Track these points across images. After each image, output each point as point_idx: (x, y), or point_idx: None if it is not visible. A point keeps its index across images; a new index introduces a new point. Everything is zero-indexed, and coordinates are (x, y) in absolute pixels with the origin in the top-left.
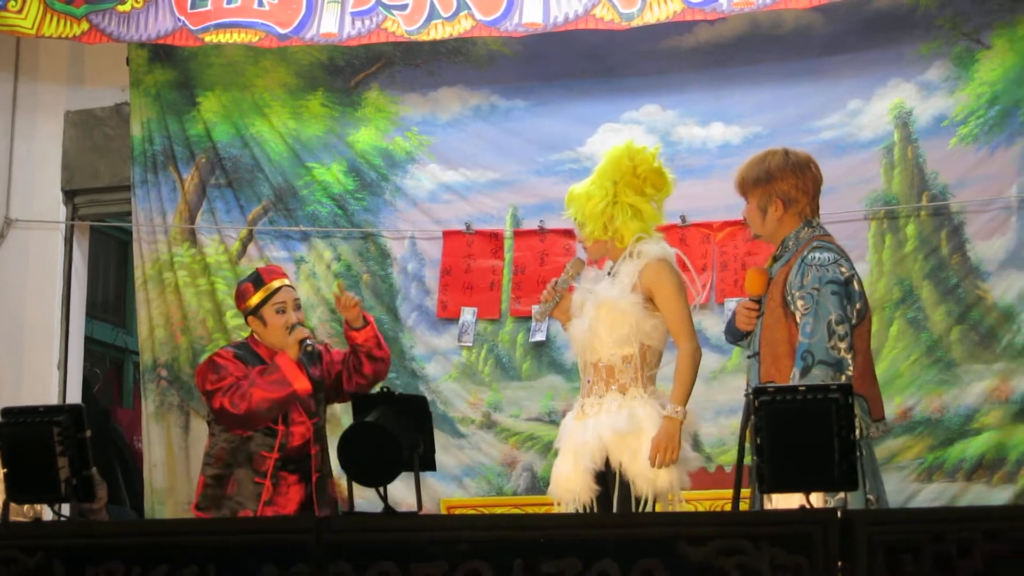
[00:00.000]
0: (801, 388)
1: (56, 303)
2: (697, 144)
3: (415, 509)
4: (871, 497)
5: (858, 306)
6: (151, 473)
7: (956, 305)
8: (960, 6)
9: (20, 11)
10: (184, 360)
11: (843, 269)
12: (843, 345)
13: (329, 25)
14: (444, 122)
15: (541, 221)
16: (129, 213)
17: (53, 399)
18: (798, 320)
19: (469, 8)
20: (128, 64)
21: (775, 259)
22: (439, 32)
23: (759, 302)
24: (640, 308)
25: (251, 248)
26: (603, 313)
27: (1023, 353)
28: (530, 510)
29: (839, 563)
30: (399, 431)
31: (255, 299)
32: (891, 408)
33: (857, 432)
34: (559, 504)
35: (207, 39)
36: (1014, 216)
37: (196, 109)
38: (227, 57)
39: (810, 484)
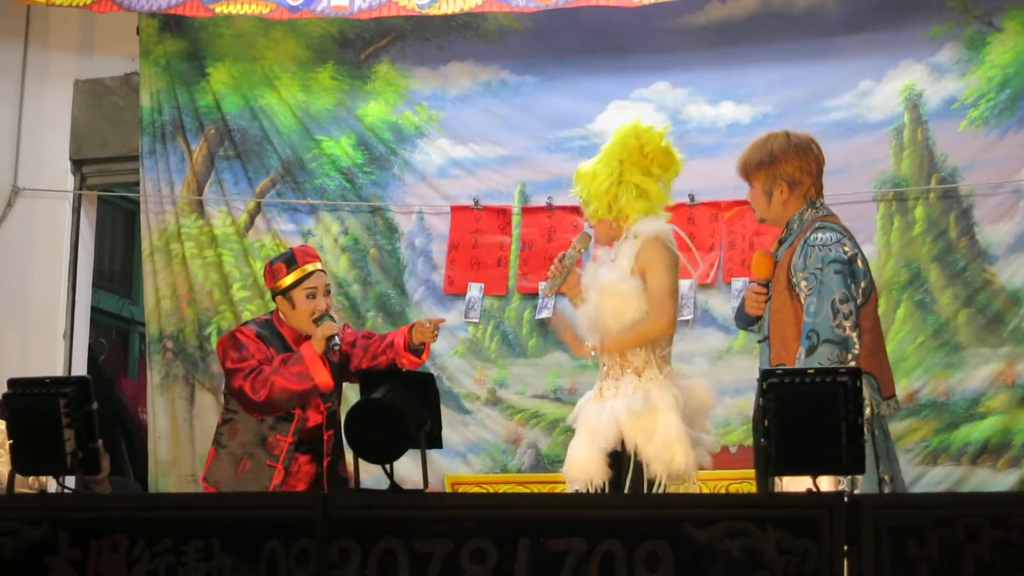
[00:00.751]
0: (809, 371)
1: (63, 273)
2: (707, 123)
3: (421, 487)
4: (885, 477)
5: (863, 284)
6: (155, 445)
7: (963, 288)
8: None
9: None
10: (190, 332)
11: (846, 248)
12: (848, 324)
13: None
14: (454, 97)
15: (549, 198)
16: (137, 183)
17: (59, 369)
18: (803, 301)
19: None
20: (138, 34)
21: (780, 242)
22: (450, 6)
23: (766, 286)
24: (642, 290)
25: (259, 220)
26: (605, 299)
27: None
28: (534, 487)
29: (845, 547)
30: (406, 408)
31: (287, 280)
32: (897, 391)
33: (868, 410)
34: (571, 485)
35: (218, 10)
36: (1023, 200)
37: (206, 80)
38: (237, 28)
39: (818, 467)
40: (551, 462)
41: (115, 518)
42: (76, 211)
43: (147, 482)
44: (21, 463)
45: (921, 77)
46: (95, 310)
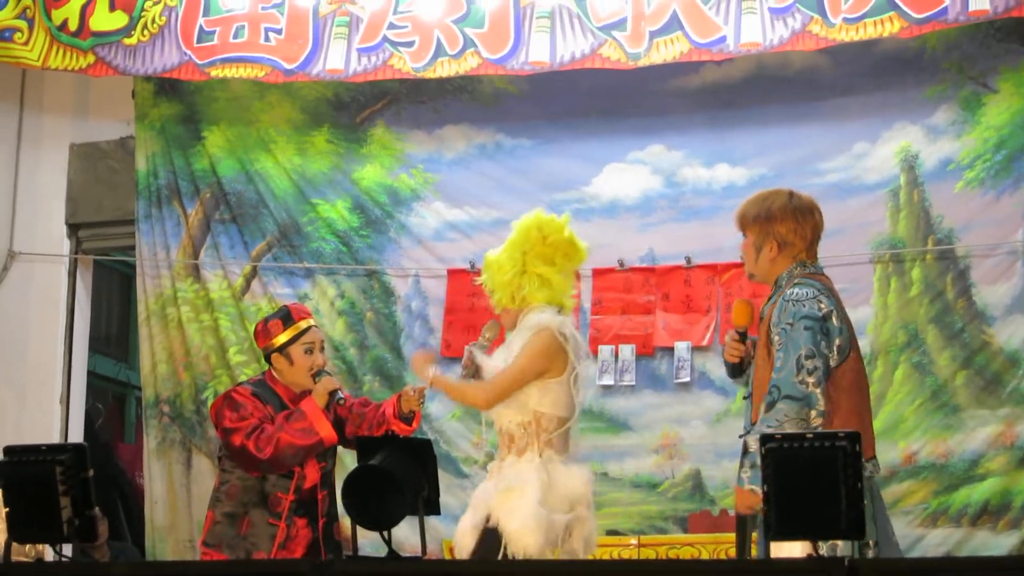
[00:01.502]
0: (808, 436)
1: (59, 337)
2: (702, 185)
3: (419, 553)
4: (869, 542)
5: (838, 342)
6: (152, 510)
7: (961, 350)
8: (967, 50)
9: (26, 43)
10: (187, 396)
11: (821, 304)
12: (811, 380)
13: (335, 61)
14: (449, 160)
15: None
16: (133, 247)
17: (55, 434)
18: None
19: (475, 46)
20: (134, 97)
21: (769, 299)
22: (445, 69)
23: (743, 334)
24: None
25: (255, 284)
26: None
27: None
28: None
29: None
30: (404, 475)
31: (283, 337)
32: (896, 452)
33: None
34: (458, 553)
35: (213, 73)
36: (1020, 261)
37: (201, 143)
38: (233, 92)
39: (817, 532)
40: None
41: None
42: (72, 275)
43: (144, 547)
44: (17, 531)
45: (917, 138)
46: (91, 374)
